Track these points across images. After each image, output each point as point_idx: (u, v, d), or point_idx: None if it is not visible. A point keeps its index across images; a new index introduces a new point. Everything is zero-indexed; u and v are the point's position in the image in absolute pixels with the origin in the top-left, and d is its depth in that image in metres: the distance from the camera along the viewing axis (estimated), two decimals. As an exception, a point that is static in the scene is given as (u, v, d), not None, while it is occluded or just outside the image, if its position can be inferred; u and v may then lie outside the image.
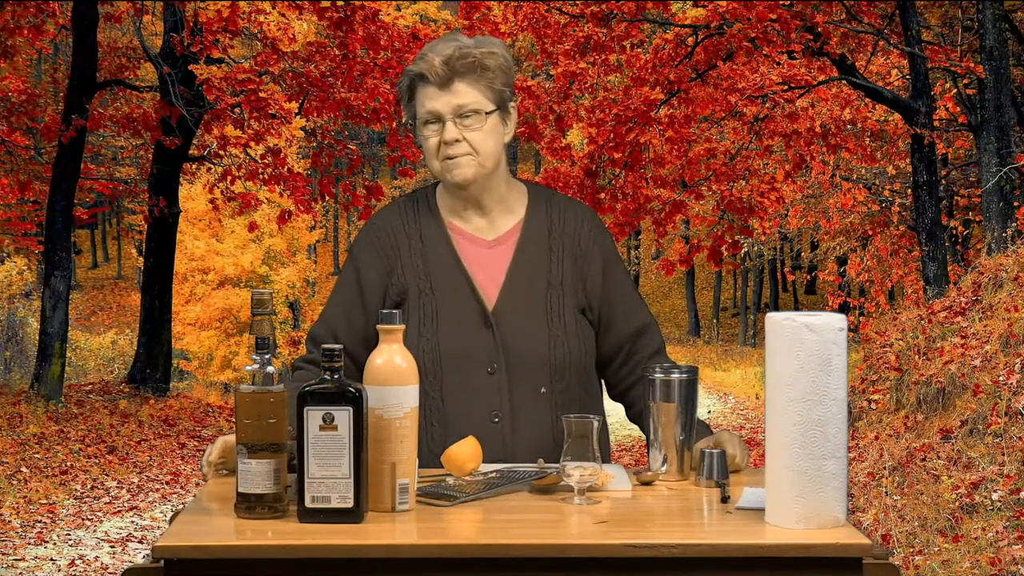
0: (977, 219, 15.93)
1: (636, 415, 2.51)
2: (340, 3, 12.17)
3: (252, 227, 16.90)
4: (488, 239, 2.47)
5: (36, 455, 9.81)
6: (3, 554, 6.96)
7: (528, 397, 2.38)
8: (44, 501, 8.53)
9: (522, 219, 2.48)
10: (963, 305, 8.49)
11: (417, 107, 2.40)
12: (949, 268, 12.13)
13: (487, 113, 2.38)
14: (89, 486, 9.31)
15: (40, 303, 13.82)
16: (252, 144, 13.84)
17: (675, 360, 2.51)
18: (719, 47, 12.29)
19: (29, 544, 7.28)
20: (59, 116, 13.05)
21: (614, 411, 2.74)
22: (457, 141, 2.37)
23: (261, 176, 13.77)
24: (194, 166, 16.96)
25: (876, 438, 7.75)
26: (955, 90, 14.70)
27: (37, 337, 13.65)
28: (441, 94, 2.36)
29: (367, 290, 2.45)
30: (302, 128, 17.52)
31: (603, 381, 2.56)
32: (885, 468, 6.86)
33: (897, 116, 13.88)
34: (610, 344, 2.50)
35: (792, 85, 12.98)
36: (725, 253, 13.15)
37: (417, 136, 2.44)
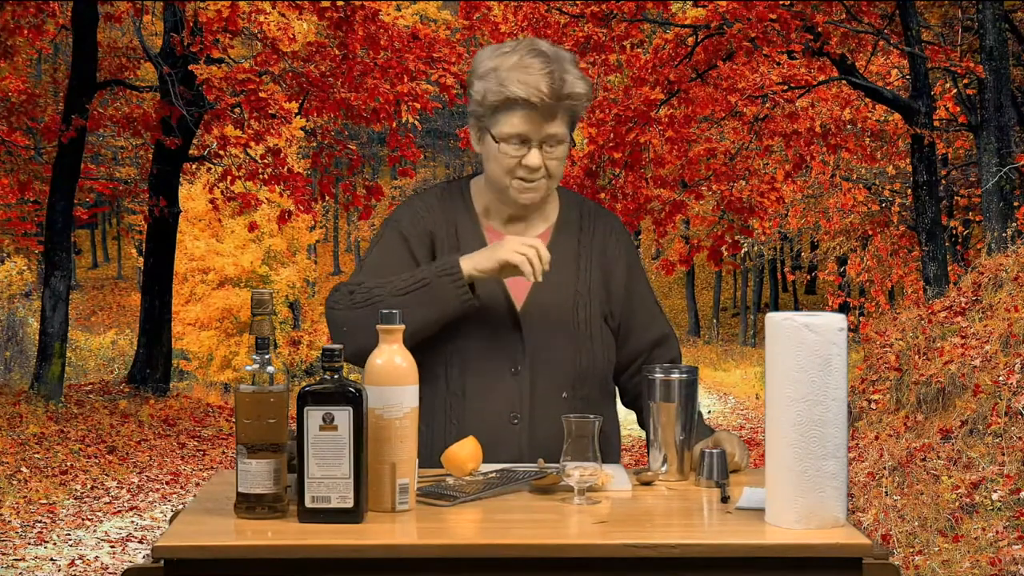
0: (977, 219, 15.92)
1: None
2: (340, 3, 12.16)
3: (252, 227, 16.88)
4: None
5: (36, 455, 9.81)
6: (3, 554, 6.96)
7: (549, 400, 2.38)
8: (44, 501, 8.53)
9: (553, 224, 2.49)
10: (963, 305, 8.49)
11: (502, 123, 2.35)
12: (949, 268, 12.13)
13: (566, 142, 2.39)
14: (89, 486, 9.31)
15: (40, 303, 13.82)
16: (252, 144, 13.84)
17: (676, 360, 2.52)
18: (719, 47, 12.29)
19: (29, 544, 7.28)
20: (59, 116, 13.04)
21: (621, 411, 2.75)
22: (538, 168, 2.36)
23: (261, 176, 13.77)
24: (194, 166, 16.96)
25: (876, 438, 7.75)
26: (955, 90, 14.69)
27: (37, 337, 13.65)
28: (539, 122, 2.33)
29: (416, 250, 2.42)
30: (302, 128, 17.52)
31: (617, 388, 2.57)
32: (885, 468, 6.86)
33: (897, 116, 13.88)
34: (628, 352, 2.51)
35: (792, 85, 12.98)
36: (725, 253, 13.14)
37: (478, 135, 2.41)
